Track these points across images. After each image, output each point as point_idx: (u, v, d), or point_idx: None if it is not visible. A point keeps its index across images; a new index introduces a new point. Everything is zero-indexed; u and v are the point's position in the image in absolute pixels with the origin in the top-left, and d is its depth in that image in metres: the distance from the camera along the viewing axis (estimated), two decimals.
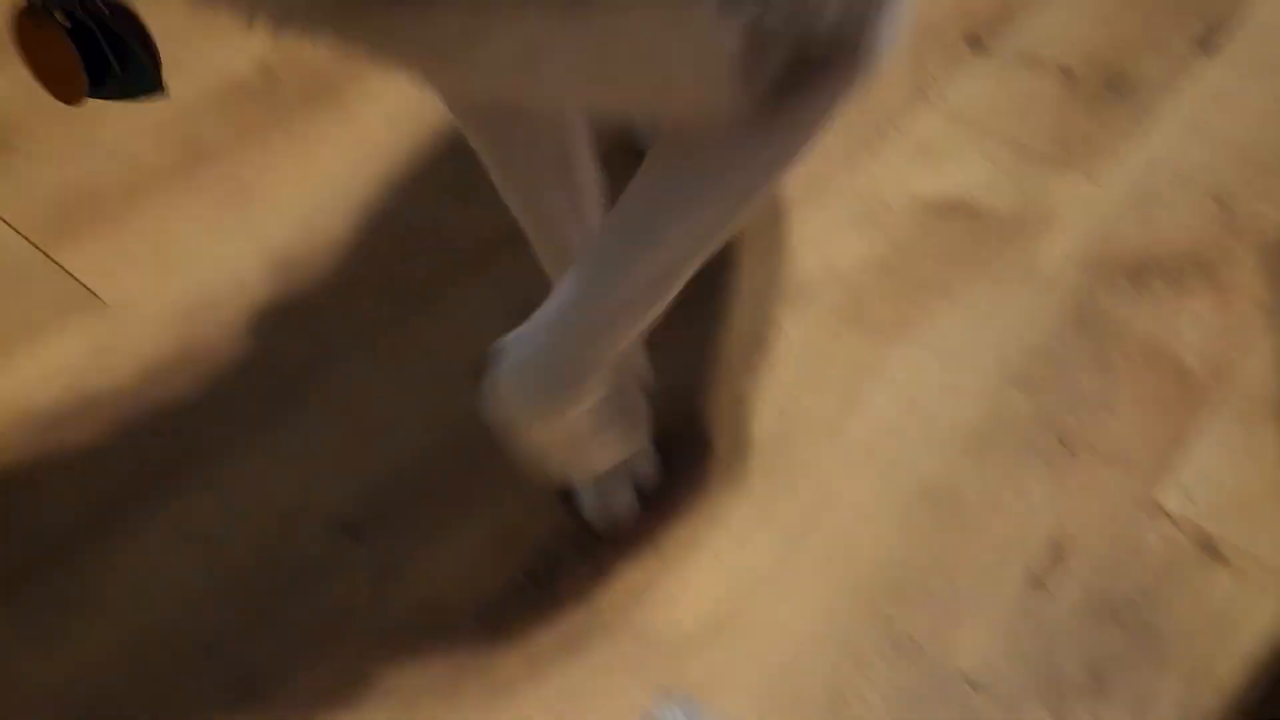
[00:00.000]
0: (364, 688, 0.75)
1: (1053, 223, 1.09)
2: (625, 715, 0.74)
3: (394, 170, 1.10)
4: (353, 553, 0.82)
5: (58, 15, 0.55)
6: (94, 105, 0.59)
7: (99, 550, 0.82)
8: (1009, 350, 0.98)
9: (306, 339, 0.95)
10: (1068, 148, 1.17)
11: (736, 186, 0.61)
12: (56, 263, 1.01)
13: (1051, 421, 0.92)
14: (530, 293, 0.98)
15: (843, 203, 1.10)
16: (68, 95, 0.58)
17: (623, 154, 0.83)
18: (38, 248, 1.02)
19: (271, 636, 0.77)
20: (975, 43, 1.29)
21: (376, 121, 1.14)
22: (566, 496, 0.83)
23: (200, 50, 1.18)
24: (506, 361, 0.64)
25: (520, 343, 0.64)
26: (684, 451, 0.89)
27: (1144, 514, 0.86)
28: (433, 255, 1.02)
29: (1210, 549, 0.84)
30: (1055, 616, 0.80)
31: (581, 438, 0.70)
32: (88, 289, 0.99)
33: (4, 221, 1.03)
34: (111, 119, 1.11)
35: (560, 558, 0.82)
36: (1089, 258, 1.06)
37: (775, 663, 0.78)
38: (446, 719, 0.74)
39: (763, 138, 0.58)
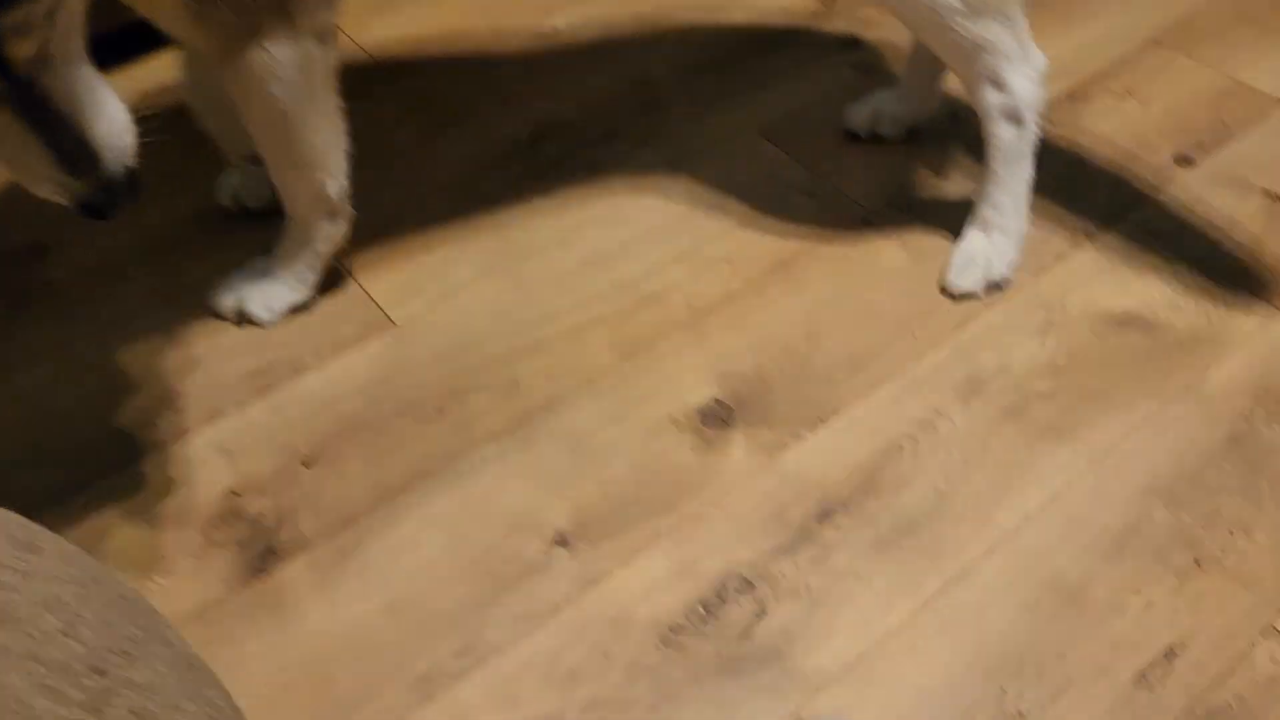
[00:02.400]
0: (556, 669, 0.94)
1: (1228, 348, 1.16)
2: None
3: (634, 235, 1.30)
4: (561, 560, 1.02)
5: None
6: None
7: (374, 523, 1.05)
8: (1160, 464, 1.07)
9: (545, 377, 1.16)
10: (1258, 276, 1.23)
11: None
12: (361, 286, 1.26)
13: (1188, 537, 1.02)
14: (728, 359, 1.15)
15: (1026, 305, 1.21)
16: None
17: None
18: (349, 273, 1.27)
19: (493, 616, 0.98)
20: (1185, 161, 1.36)
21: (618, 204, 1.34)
22: None
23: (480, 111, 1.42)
24: None
25: None
26: (845, 518, 1.04)
27: (1259, 635, 0.95)
28: (654, 315, 1.21)
29: None
30: (1156, 714, 0.91)
31: None
32: (382, 310, 1.23)
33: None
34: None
35: (730, 593, 0.99)
36: (1258, 387, 1.13)
37: (895, 712, 0.92)
38: (617, 715, 0.92)
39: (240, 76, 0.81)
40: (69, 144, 0.73)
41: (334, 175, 1.12)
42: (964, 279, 1.21)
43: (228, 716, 0.51)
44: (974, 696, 0.92)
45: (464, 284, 1.26)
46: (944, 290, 1.22)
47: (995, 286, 1.22)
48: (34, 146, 0.72)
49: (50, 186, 0.76)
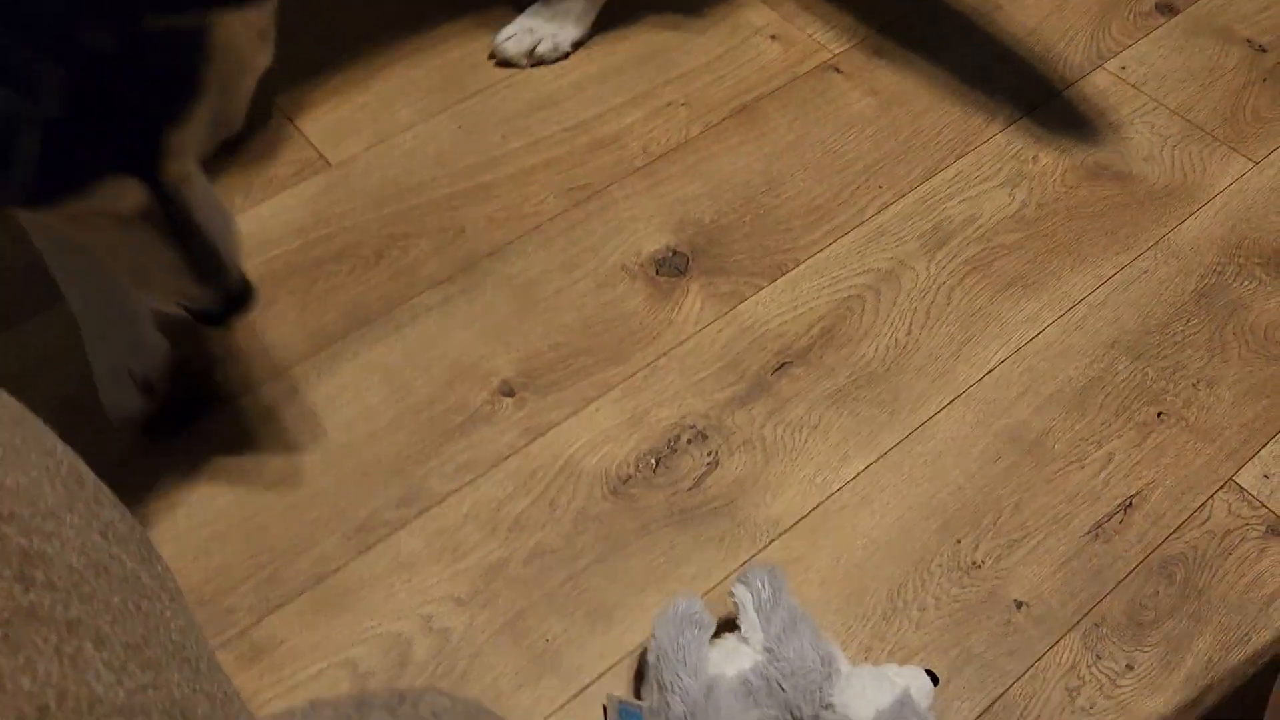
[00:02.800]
0: (501, 519, 0.91)
1: (1200, 200, 1.13)
2: (714, 577, 0.88)
3: (585, 84, 1.22)
4: (507, 410, 0.98)
5: None
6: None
7: (310, 371, 0.99)
8: (1126, 317, 1.04)
9: (491, 223, 1.10)
10: (1238, 128, 1.18)
11: None
12: (295, 125, 1.18)
13: (1152, 391, 0.99)
14: (684, 206, 1.10)
15: (996, 155, 1.16)
16: None
17: None
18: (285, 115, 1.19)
19: (435, 465, 0.94)
20: (1167, 9, 1.30)
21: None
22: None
23: None
24: None
25: None
26: (803, 370, 1.00)
27: (1218, 488, 0.93)
28: (607, 160, 1.15)
29: (1274, 530, 0.91)
30: (1110, 563, 0.89)
31: None
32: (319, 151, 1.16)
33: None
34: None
35: (682, 444, 0.95)
36: (1229, 240, 1.09)
37: (849, 560, 0.90)
38: (563, 566, 0.89)
39: None
40: (201, 254, 0.73)
41: None
42: (510, 46, 1.21)
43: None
44: (929, 548, 0.90)
45: (405, 124, 1.18)
46: (491, 55, 1.22)
47: (540, 60, 1.22)
48: (171, 259, 0.72)
49: (180, 297, 0.76)
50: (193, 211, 0.71)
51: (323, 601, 0.86)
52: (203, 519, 0.90)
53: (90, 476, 0.51)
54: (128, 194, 0.66)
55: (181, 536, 0.89)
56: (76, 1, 0.57)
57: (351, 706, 0.35)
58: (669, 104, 1.20)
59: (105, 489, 0.52)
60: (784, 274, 1.07)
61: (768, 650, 0.78)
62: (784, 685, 0.76)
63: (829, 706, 0.76)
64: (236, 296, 0.76)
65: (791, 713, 0.76)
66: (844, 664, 0.79)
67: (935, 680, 0.80)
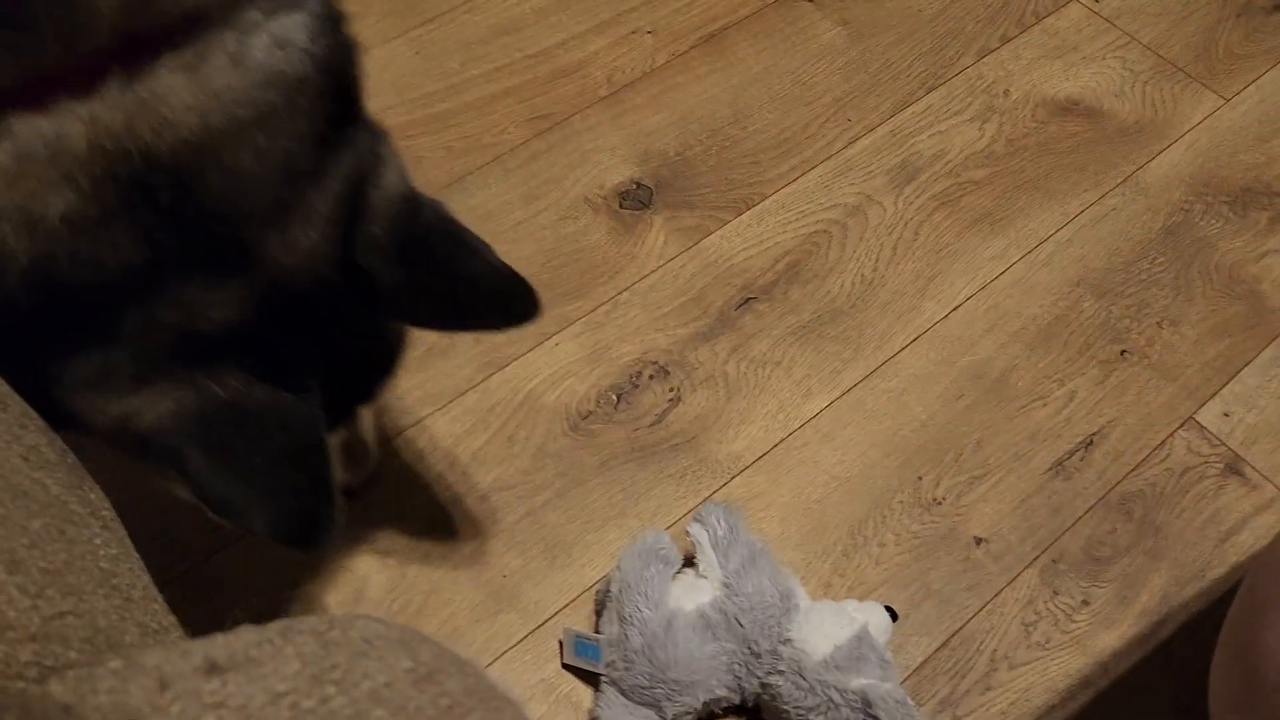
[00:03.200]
0: (459, 454, 0.90)
1: (1171, 137, 1.11)
2: (675, 514, 0.87)
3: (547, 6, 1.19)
4: (466, 343, 0.96)
5: None
6: None
7: None
8: (1092, 255, 1.03)
9: (450, 152, 1.07)
10: (1211, 64, 1.17)
11: None
12: None
13: (1116, 329, 0.99)
14: (649, 138, 1.07)
15: (967, 89, 1.14)
16: None
17: None
18: None
19: (391, 398, 0.92)
20: None
21: None
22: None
23: None
24: None
25: None
26: (767, 305, 0.99)
27: (1178, 426, 0.93)
28: (569, 89, 1.12)
29: (1233, 468, 0.91)
30: (1070, 500, 0.89)
31: None
32: None
33: None
34: None
35: (644, 380, 0.94)
36: (1197, 178, 1.08)
37: (810, 495, 0.89)
38: (521, 502, 0.88)
39: None
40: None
41: None
42: None
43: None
44: (890, 484, 0.90)
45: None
46: None
47: None
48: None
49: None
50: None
51: None
52: None
53: (16, 401, 0.49)
54: None
55: (127, 472, 0.87)
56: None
57: (277, 631, 0.34)
58: (634, 31, 1.16)
59: (33, 415, 0.50)
60: (749, 208, 1.05)
61: (726, 585, 0.77)
62: (742, 620, 0.76)
63: (787, 641, 0.76)
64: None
65: (750, 647, 0.76)
66: (803, 599, 0.79)
67: (894, 616, 0.80)
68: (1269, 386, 0.96)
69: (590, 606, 0.83)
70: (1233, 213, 1.06)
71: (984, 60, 1.17)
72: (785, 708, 0.75)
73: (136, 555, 0.51)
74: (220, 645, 0.33)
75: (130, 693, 0.31)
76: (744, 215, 1.04)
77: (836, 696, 0.74)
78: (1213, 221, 1.06)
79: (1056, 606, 0.85)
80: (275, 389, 0.59)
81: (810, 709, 0.75)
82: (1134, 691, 0.82)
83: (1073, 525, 0.88)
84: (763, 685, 0.76)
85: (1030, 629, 0.84)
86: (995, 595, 0.85)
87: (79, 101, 0.49)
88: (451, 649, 0.37)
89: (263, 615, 0.81)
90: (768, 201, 1.05)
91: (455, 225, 0.65)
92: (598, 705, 0.77)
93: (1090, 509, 0.89)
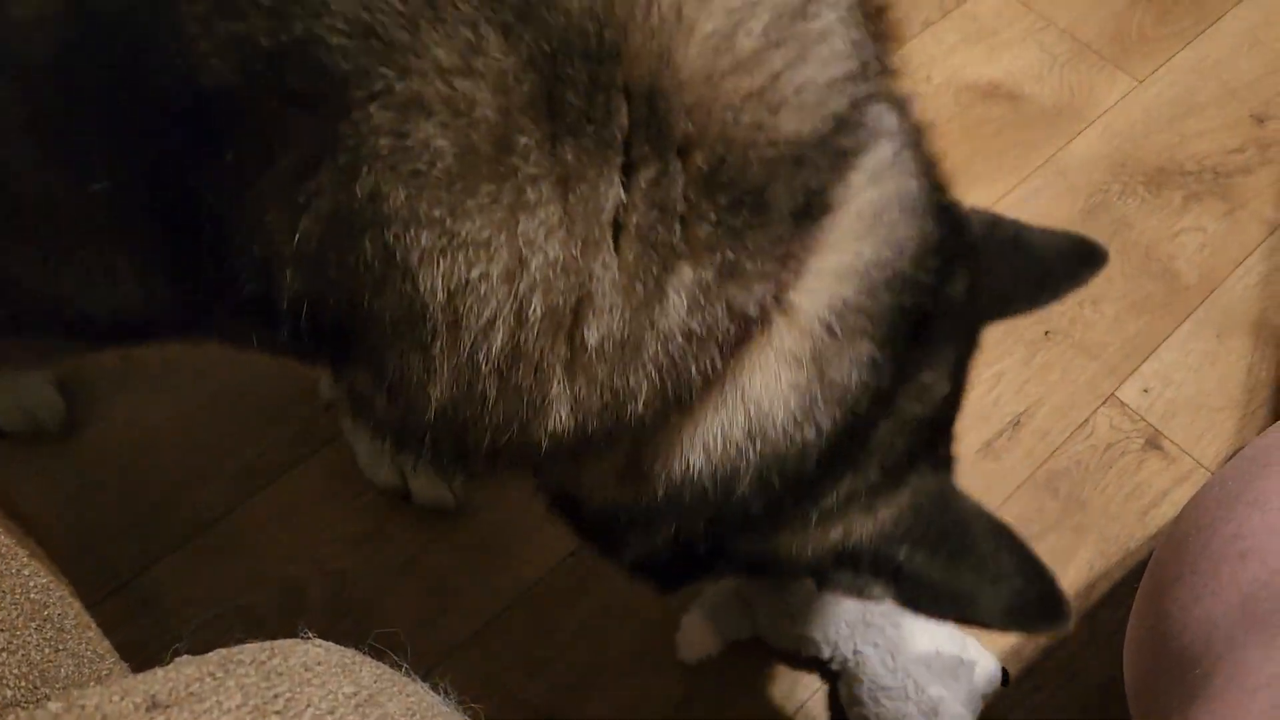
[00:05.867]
0: None
1: (1088, 119, 1.14)
2: None
3: None
4: None
5: None
6: None
7: None
8: None
9: None
10: (1125, 47, 1.20)
11: None
12: None
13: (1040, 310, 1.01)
14: None
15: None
16: None
17: None
18: None
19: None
20: None
21: None
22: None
23: None
24: None
25: None
26: None
27: (1100, 403, 0.96)
28: None
29: (1153, 443, 0.94)
30: (998, 480, 0.92)
31: None
32: None
33: None
34: None
35: None
36: (1114, 159, 1.11)
37: None
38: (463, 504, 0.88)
39: None
40: None
41: None
42: None
43: None
44: None
45: None
46: None
47: None
48: None
49: None
50: None
51: (211, 548, 0.83)
52: (78, 466, 0.86)
53: None
54: None
55: (55, 487, 0.85)
56: None
57: (217, 664, 0.34)
58: None
59: None
60: None
61: None
62: None
63: (897, 625, 0.78)
64: None
65: (865, 615, 0.78)
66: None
67: (1006, 680, 0.80)
68: (1185, 361, 0.99)
69: (532, 604, 0.84)
70: (1148, 192, 1.09)
71: (907, 45, 1.18)
72: (863, 679, 0.77)
73: (66, 581, 0.50)
74: (161, 681, 0.32)
75: None
76: None
77: (913, 691, 0.76)
78: (1130, 201, 1.09)
79: None
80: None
81: (884, 689, 0.77)
82: (1061, 663, 0.85)
83: (1002, 504, 0.91)
84: (855, 651, 0.78)
85: None
86: None
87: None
88: (392, 671, 0.37)
89: (200, 630, 0.80)
90: None
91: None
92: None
93: (1019, 487, 0.92)
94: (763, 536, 0.53)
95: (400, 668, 0.39)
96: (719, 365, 0.44)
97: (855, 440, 0.50)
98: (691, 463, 0.48)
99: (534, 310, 0.40)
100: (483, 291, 0.40)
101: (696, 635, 0.80)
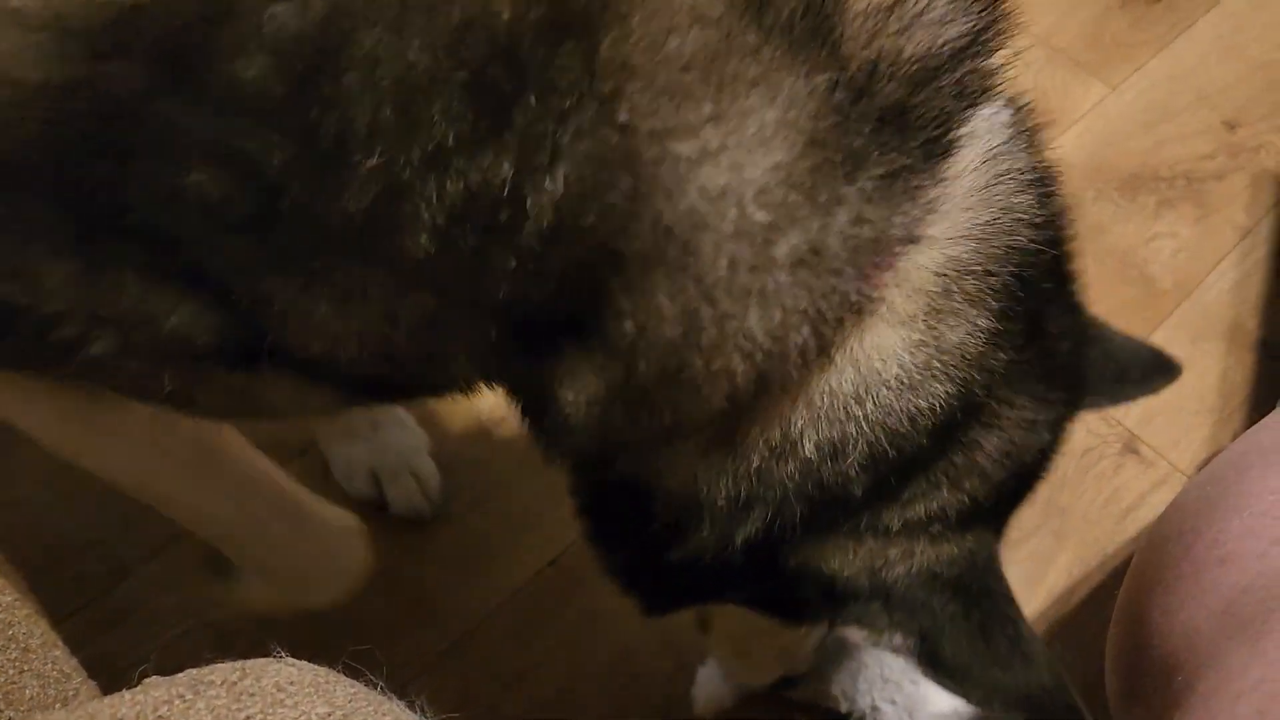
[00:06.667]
0: None
1: (1063, 125, 1.15)
2: None
3: None
4: None
5: None
6: None
7: None
8: None
9: None
10: (1099, 53, 1.20)
11: None
12: None
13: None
14: None
15: None
16: None
17: None
18: None
19: None
20: None
21: None
22: None
23: None
24: None
25: None
26: None
27: None
28: None
29: (1130, 447, 0.95)
30: None
31: None
32: None
33: None
34: None
35: None
36: (1089, 164, 1.12)
37: None
38: (438, 508, 0.87)
39: None
40: None
41: None
42: None
43: None
44: None
45: None
46: None
47: None
48: None
49: None
50: None
51: (179, 563, 0.82)
52: (44, 482, 0.85)
53: None
54: None
55: (23, 501, 0.84)
56: None
57: (186, 685, 0.33)
58: None
59: None
60: None
61: None
62: None
63: (915, 682, 0.76)
64: None
65: (883, 670, 0.77)
66: None
67: None
68: None
69: (512, 617, 0.83)
70: (1123, 198, 1.10)
71: None
72: None
73: (33, 599, 0.49)
74: (128, 704, 0.31)
75: None
76: None
77: None
78: (1104, 207, 1.09)
79: None
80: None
81: None
82: None
83: None
84: (873, 706, 0.77)
85: None
86: None
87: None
88: (367, 689, 0.36)
89: (171, 646, 0.79)
90: None
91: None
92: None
93: None
94: (824, 541, 0.49)
95: (376, 685, 0.38)
96: (856, 299, 0.40)
97: (961, 438, 0.46)
98: (794, 424, 0.43)
99: (751, 219, 0.37)
100: (724, 205, 0.37)
101: (712, 687, 0.78)
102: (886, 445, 0.43)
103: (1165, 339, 1.01)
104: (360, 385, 0.45)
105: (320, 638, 0.79)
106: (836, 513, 0.47)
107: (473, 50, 0.33)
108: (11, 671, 0.40)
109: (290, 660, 0.36)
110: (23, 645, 0.43)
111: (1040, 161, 0.49)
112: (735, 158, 0.37)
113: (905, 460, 0.45)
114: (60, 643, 0.49)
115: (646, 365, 0.40)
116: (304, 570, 0.65)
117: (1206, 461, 0.91)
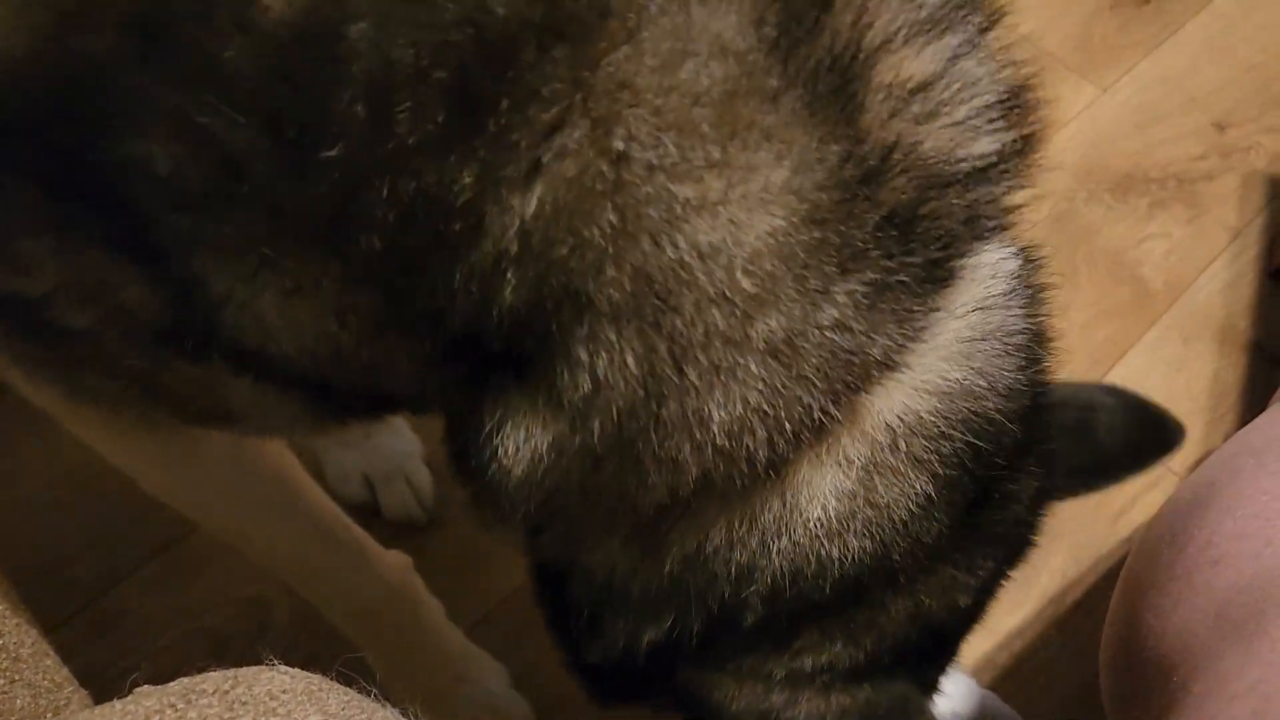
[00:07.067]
0: None
1: (1055, 128, 1.15)
2: None
3: None
4: None
5: None
6: None
7: None
8: None
9: None
10: (1089, 55, 1.21)
11: None
12: None
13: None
14: None
15: None
16: None
17: None
18: None
19: None
20: None
21: None
22: None
23: None
24: None
25: None
26: None
27: None
28: None
29: None
30: None
31: None
32: None
33: None
34: None
35: None
36: (1080, 166, 1.12)
37: None
38: (430, 514, 0.86)
39: None
40: None
41: None
42: None
43: None
44: None
45: None
46: None
47: None
48: None
49: None
50: None
51: (173, 568, 0.82)
52: (37, 486, 0.84)
53: None
54: None
55: (14, 505, 0.83)
56: None
57: (178, 695, 0.33)
58: None
59: None
60: None
61: None
62: None
63: None
64: None
65: None
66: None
67: None
68: (1154, 367, 0.99)
69: (505, 619, 0.82)
70: (1114, 199, 1.10)
71: None
72: None
73: (24, 608, 0.49)
74: (119, 714, 0.31)
75: None
76: None
77: None
78: (1096, 208, 1.09)
79: None
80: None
81: None
82: (1038, 668, 0.85)
83: None
84: None
85: None
86: None
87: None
88: (360, 696, 0.36)
89: (164, 651, 0.79)
90: None
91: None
92: None
93: None
94: (711, 670, 0.47)
95: (369, 693, 0.38)
96: (818, 418, 0.37)
97: (865, 596, 0.44)
98: (714, 538, 0.41)
99: (738, 286, 0.34)
100: (713, 264, 0.34)
101: None
102: (787, 584, 0.42)
103: (1157, 340, 1.01)
104: (320, 395, 0.44)
105: (313, 644, 0.79)
106: (725, 643, 0.45)
107: (457, 49, 0.32)
108: (2, 681, 0.39)
109: (283, 668, 0.35)
110: (13, 655, 0.42)
111: (1035, 324, 0.46)
112: (735, 214, 0.34)
113: (803, 606, 0.43)
114: (51, 652, 0.49)
115: (601, 428, 0.37)
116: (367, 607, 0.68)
117: (1199, 462, 0.91)
